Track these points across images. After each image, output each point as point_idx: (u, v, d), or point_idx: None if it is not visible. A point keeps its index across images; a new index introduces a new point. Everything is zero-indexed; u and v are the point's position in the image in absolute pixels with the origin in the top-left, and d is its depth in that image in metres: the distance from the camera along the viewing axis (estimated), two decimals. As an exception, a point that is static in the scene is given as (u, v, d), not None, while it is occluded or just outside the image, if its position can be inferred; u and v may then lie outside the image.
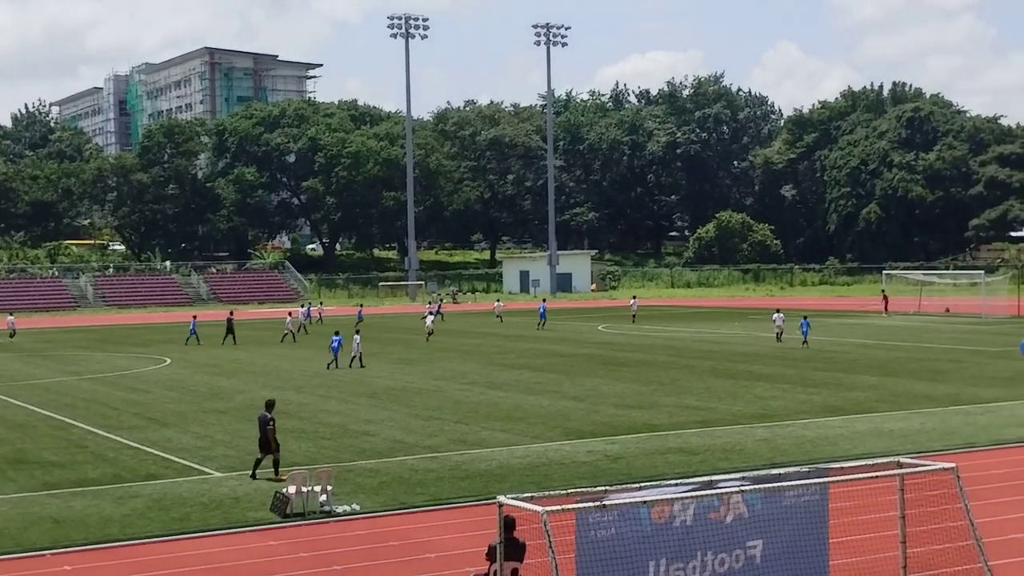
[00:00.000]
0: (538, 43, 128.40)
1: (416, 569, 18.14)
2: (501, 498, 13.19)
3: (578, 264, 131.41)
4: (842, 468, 15.05)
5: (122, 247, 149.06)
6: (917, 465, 15.04)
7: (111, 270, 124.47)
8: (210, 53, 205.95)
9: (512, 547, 13.86)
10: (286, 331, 65.27)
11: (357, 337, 49.98)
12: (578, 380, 42.82)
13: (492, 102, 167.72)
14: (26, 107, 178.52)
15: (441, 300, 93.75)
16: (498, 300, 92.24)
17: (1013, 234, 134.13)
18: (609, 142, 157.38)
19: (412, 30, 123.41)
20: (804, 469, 14.88)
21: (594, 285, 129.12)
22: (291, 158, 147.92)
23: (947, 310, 79.84)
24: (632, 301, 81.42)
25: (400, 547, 19.45)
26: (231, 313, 69.01)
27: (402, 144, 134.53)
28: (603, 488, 13.44)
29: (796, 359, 49.36)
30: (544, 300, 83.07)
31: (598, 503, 12.71)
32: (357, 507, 22.11)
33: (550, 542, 12.02)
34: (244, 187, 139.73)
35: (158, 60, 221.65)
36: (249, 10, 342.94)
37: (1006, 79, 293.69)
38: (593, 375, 44.53)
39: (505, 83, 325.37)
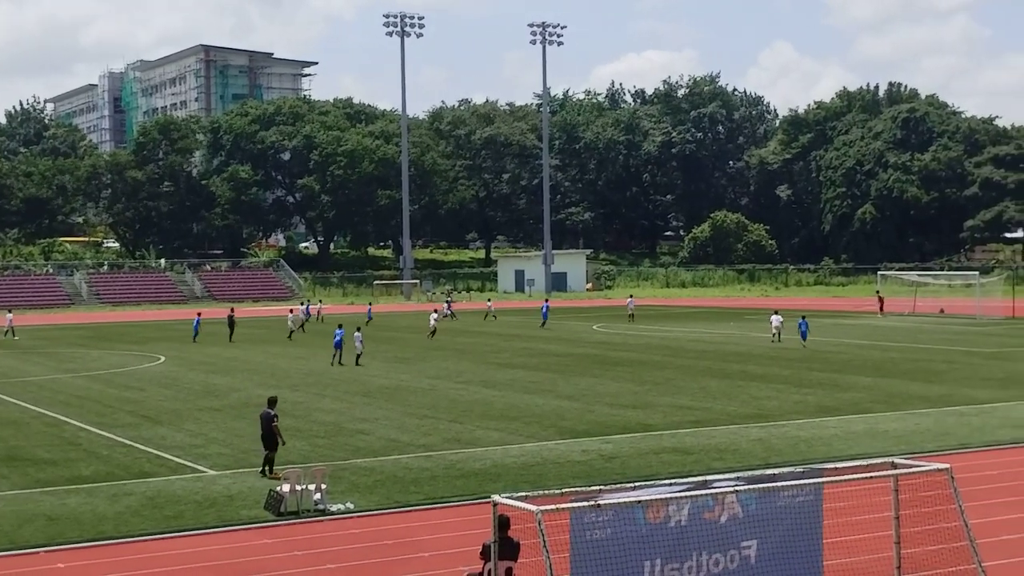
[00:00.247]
0: (534, 42, 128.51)
1: (410, 568, 18.14)
2: (495, 497, 13.18)
3: (573, 263, 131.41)
4: (836, 468, 15.07)
5: (116, 244, 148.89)
6: (911, 466, 15.05)
7: (105, 267, 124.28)
8: (205, 51, 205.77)
9: (506, 546, 13.86)
10: (292, 328, 65.74)
11: (358, 334, 50.07)
12: (573, 379, 42.82)
13: (488, 101, 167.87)
14: (20, 104, 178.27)
15: (451, 299, 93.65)
16: (488, 300, 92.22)
17: (1008, 235, 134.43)
18: (605, 141, 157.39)
19: (408, 28, 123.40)
20: (798, 469, 14.90)
21: (589, 284, 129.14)
22: (286, 156, 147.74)
23: (942, 311, 79.91)
24: (629, 300, 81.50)
25: (394, 546, 19.45)
26: (232, 310, 69.11)
27: (397, 142, 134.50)
28: (598, 488, 13.43)
29: (791, 359, 49.39)
30: (547, 300, 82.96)
31: (592, 503, 12.70)
32: (351, 506, 22.10)
33: (544, 541, 12.02)
34: (239, 185, 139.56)
35: (153, 57, 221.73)
36: (244, 8, 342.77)
37: (1001, 80, 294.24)
38: (588, 374, 44.53)
39: (500, 82, 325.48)
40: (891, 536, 15.20)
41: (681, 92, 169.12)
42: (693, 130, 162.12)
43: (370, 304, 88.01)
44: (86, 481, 24.86)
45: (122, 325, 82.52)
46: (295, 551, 19.20)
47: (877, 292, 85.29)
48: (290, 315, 67.74)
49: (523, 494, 13.08)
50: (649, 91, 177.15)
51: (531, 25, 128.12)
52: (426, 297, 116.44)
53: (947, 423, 31.58)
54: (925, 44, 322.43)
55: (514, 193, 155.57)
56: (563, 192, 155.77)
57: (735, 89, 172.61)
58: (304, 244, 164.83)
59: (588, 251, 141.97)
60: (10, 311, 75.10)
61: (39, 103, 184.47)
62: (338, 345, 50.00)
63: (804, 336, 55.44)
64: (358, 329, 51.56)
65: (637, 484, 14.59)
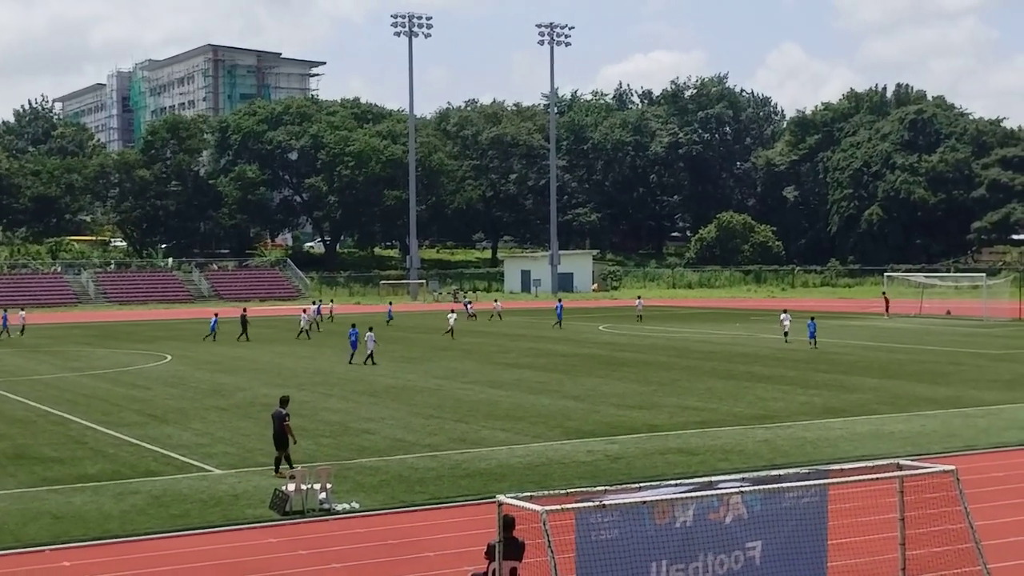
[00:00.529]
0: (541, 42, 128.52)
1: (415, 567, 18.14)
2: (501, 497, 13.18)
3: (580, 264, 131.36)
4: (842, 470, 15.05)
5: (124, 243, 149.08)
6: (917, 467, 15.04)
7: (112, 266, 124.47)
8: (213, 50, 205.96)
9: (511, 546, 13.86)
10: (304, 327, 66.08)
11: (371, 334, 50.22)
12: (579, 380, 42.81)
13: (495, 101, 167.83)
14: (29, 103, 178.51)
15: (469, 300, 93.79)
16: (495, 300, 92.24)
17: (1015, 237, 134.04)
18: (613, 142, 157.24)
19: (415, 28, 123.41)
20: (804, 470, 14.88)
21: (595, 285, 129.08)
22: (293, 156, 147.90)
23: (948, 312, 79.79)
24: (637, 301, 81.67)
25: (399, 545, 19.46)
26: (244, 310, 69.37)
27: (404, 142, 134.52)
28: (603, 488, 13.43)
29: (797, 360, 49.34)
30: (560, 300, 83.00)
31: (597, 503, 12.70)
32: (356, 505, 22.11)
33: (549, 541, 12.02)
34: (246, 184, 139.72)
35: (161, 57, 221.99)
36: (252, 8, 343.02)
37: (1009, 82, 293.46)
38: (594, 375, 44.53)
39: (508, 82, 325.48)
40: (896, 537, 15.18)
41: (688, 93, 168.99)
42: (700, 131, 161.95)
43: (391, 304, 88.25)
44: (92, 479, 24.90)
45: (129, 324, 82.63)
46: (300, 550, 19.22)
47: (883, 293, 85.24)
48: (303, 315, 68.04)
49: (528, 494, 13.08)
50: (656, 92, 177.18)
51: (539, 26, 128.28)
52: (433, 297, 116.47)
53: (953, 425, 31.53)
54: (933, 46, 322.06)
55: (521, 193, 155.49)
56: (570, 193, 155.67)
57: (742, 90, 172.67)
58: (309, 244, 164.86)
59: (595, 252, 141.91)
60: (22, 309, 75.50)
61: (47, 102, 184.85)
62: (354, 344, 50.40)
63: (812, 336, 55.63)
64: (370, 329, 51.64)
65: (643, 485, 14.58)
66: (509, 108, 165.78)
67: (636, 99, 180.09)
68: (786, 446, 28.24)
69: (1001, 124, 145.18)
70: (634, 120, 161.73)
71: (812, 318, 58.67)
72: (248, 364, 50.57)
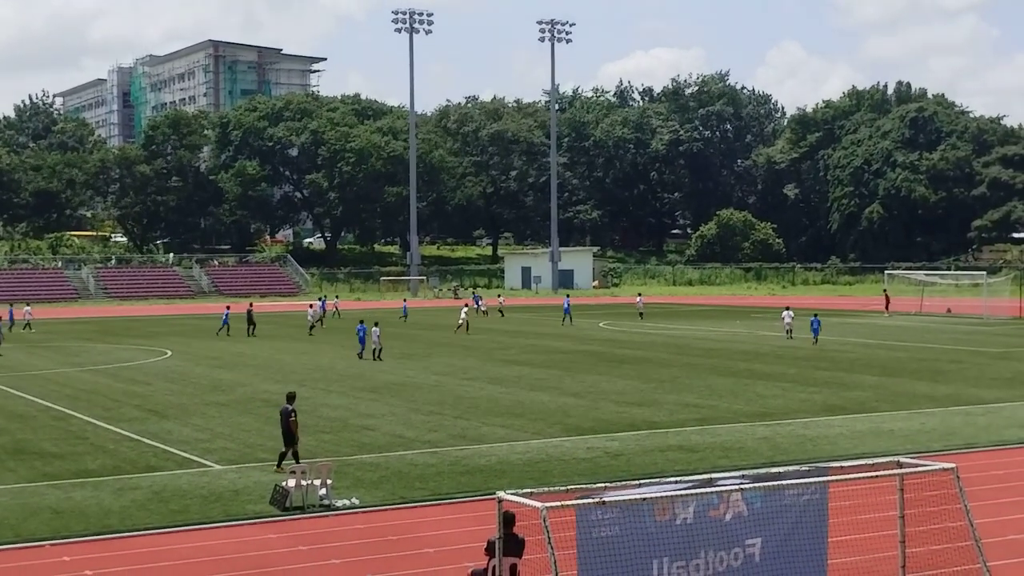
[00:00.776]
0: (542, 39, 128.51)
1: (415, 564, 18.15)
2: (500, 494, 13.17)
3: (580, 261, 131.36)
4: (842, 467, 15.03)
5: (124, 239, 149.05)
6: (917, 465, 15.02)
7: (113, 262, 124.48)
8: (214, 46, 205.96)
9: (511, 543, 13.85)
10: (312, 323, 66.37)
11: (376, 330, 50.32)
12: (579, 377, 42.81)
13: (495, 97, 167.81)
14: (30, 98, 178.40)
15: (479, 296, 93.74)
16: (499, 296, 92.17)
17: (1015, 235, 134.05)
18: (614, 140, 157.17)
19: (416, 25, 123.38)
20: (804, 468, 14.87)
21: (596, 282, 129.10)
22: (294, 152, 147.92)
23: (949, 311, 79.76)
24: (638, 298, 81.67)
25: (399, 542, 19.46)
26: (251, 305, 69.53)
27: (405, 139, 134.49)
28: (603, 485, 13.42)
29: (797, 358, 49.34)
30: (568, 296, 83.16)
31: (597, 500, 12.69)
32: (356, 501, 22.11)
33: (549, 538, 12.01)
34: (247, 180, 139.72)
35: (162, 52, 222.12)
36: (253, 3, 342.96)
37: (1009, 80, 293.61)
38: (594, 372, 44.52)
39: (509, 79, 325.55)
40: (896, 535, 15.18)
41: (689, 90, 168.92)
42: (701, 128, 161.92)
43: (405, 300, 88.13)
44: (92, 475, 24.90)
45: (129, 319, 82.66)
46: (300, 546, 19.22)
47: (884, 291, 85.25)
48: (310, 310, 68.20)
49: (528, 491, 13.07)
50: (657, 89, 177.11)
51: (540, 22, 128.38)
52: (433, 294, 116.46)
53: (953, 423, 31.52)
54: (933, 44, 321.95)
55: (521, 190, 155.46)
56: (571, 190, 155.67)
57: (743, 87, 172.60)
58: (308, 240, 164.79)
59: (595, 248, 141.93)
60: (28, 304, 75.75)
61: (48, 97, 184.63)
62: (363, 340, 50.65)
63: (816, 334, 55.79)
64: (376, 324, 51.69)
65: (642, 482, 14.57)
66: (510, 105, 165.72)
67: (637, 96, 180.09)
68: (786, 443, 28.24)
69: (1001, 122, 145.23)
70: (635, 117, 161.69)
71: (816, 315, 58.76)
72: (248, 360, 50.57)
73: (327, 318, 73.87)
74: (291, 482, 21.71)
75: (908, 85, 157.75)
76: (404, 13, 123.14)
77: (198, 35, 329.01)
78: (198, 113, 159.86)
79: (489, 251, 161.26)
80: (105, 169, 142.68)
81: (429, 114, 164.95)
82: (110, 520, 20.89)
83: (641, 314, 77.08)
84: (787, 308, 61.59)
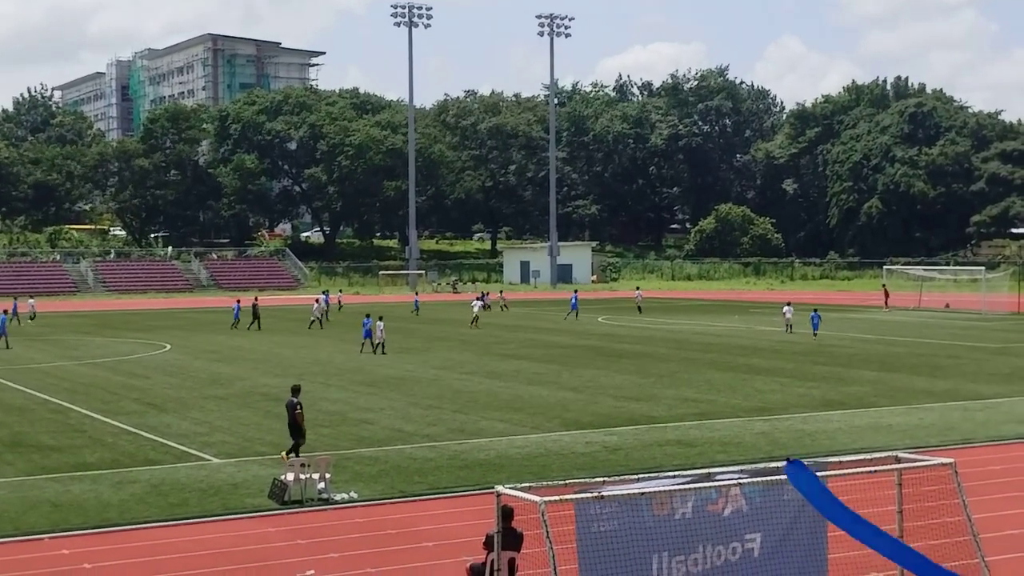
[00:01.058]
0: (541, 33, 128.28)
1: (413, 558, 18.16)
2: (499, 488, 13.18)
3: (579, 255, 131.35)
4: (840, 462, 15.04)
5: (123, 232, 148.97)
6: (915, 460, 15.03)
7: (112, 255, 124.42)
8: (213, 40, 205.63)
9: (509, 537, 13.86)
10: (314, 317, 66.37)
11: (381, 323, 50.37)
12: (577, 371, 42.82)
13: (494, 91, 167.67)
14: (28, 91, 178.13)
15: (484, 292, 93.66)
16: (501, 292, 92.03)
17: (1014, 231, 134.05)
18: (614, 134, 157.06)
19: (416, 19, 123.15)
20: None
21: (595, 276, 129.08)
22: (293, 146, 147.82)
23: (947, 306, 79.80)
24: (637, 292, 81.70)
25: (397, 535, 19.47)
26: (256, 299, 69.62)
27: (404, 133, 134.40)
28: (601, 479, 13.43)
29: (796, 353, 49.36)
30: (576, 291, 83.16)
31: (596, 494, 12.69)
32: (355, 495, 22.12)
33: (547, 532, 12.02)
34: (245, 174, 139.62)
35: (161, 46, 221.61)
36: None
37: (1008, 75, 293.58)
38: (592, 366, 44.54)
39: (508, 73, 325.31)
40: (895, 530, 15.18)
41: (688, 85, 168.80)
42: (700, 123, 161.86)
43: (417, 294, 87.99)
44: (91, 468, 24.91)
45: (128, 313, 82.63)
46: (298, 540, 19.23)
47: (883, 286, 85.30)
48: (315, 305, 68.32)
49: (527, 485, 13.08)
50: (656, 84, 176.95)
51: (539, 16, 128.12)
52: (432, 288, 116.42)
53: (951, 418, 31.55)
54: (932, 39, 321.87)
55: (520, 184, 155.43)
56: (570, 184, 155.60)
57: (742, 82, 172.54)
58: (306, 234, 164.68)
59: (594, 243, 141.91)
60: (32, 297, 75.90)
61: (46, 91, 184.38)
62: (367, 334, 50.64)
63: (816, 328, 55.95)
64: (380, 318, 51.72)
65: (641, 476, 14.59)
66: (509, 99, 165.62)
67: (636, 91, 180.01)
68: (784, 438, 28.26)
69: (1000, 117, 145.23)
70: (634, 112, 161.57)
71: (815, 310, 58.86)
72: (247, 354, 50.57)
73: (330, 311, 73.84)
74: (290, 476, 21.73)
75: (906, 80, 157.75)
76: (403, 7, 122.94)
77: (197, 29, 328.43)
78: (197, 107, 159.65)
79: (488, 245, 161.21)
80: (104, 162, 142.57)
81: (428, 108, 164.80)
82: (109, 513, 20.90)
83: (640, 308, 77.23)
84: (788, 303, 61.80)
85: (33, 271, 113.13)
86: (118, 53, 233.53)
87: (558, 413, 32.40)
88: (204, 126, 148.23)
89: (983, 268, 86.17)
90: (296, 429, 24.73)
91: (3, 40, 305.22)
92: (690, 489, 13.33)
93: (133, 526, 20.07)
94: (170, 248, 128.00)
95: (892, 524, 15.28)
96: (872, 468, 14.83)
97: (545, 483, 13.36)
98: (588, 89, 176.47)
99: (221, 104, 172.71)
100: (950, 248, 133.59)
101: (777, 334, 58.21)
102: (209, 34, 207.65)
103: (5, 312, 58.62)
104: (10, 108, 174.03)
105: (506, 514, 13.70)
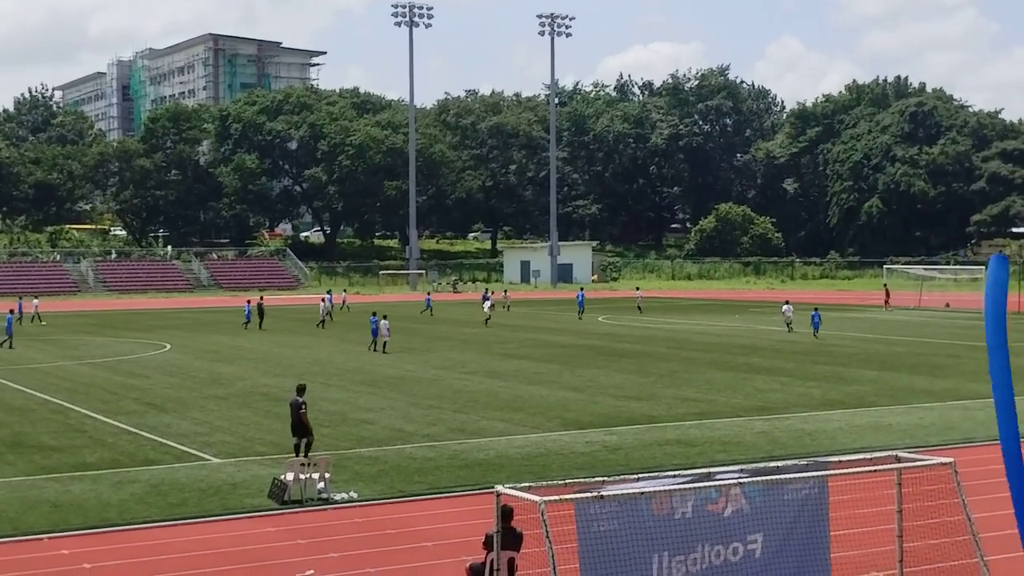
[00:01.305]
0: (542, 33, 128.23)
1: (413, 557, 18.15)
2: (499, 487, 13.18)
3: (579, 255, 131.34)
4: (840, 462, 15.04)
5: (123, 232, 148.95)
6: (915, 459, 15.03)
7: (112, 255, 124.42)
8: (214, 39, 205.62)
9: (509, 536, 13.86)
10: (321, 317, 66.72)
11: (385, 322, 50.42)
12: (577, 371, 42.82)
13: (495, 91, 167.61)
14: (29, 91, 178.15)
15: (489, 291, 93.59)
16: (504, 291, 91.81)
17: (1015, 230, 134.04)
18: (614, 134, 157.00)
19: (416, 18, 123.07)
20: (803, 462, 14.87)
21: (595, 276, 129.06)
22: (293, 145, 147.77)
23: (947, 305, 79.80)
24: (637, 292, 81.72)
25: (397, 535, 19.47)
26: (261, 298, 69.76)
27: (404, 133, 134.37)
28: (601, 479, 13.42)
29: (796, 352, 49.35)
30: (582, 289, 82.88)
31: (595, 494, 12.69)
32: (355, 495, 22.11)
33: (547, 532, 12.02)
34: (246, 174, 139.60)
35: (161, 46, 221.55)
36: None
37: (1008, 74, 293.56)
38: (592, 366, 44.53)
39: (508, 73, 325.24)
40: (894, 529, 15.18)
41: (689, 85, 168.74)
42: (700, 123, 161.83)
43: (428, 293, 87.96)
44: (91, 468, 24.90)
45: (128, 313, 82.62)
46: (298, 539, 19.22)
47: (884, 285, 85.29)
48: (321, 304, 68.44)
49: (527, 485, 13.07)
50: (657, 83, 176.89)
51: (539, 16, 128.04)
52: (432, 287, 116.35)
53: (952, 417, 31.53)
54: (932, 38, 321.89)
55: (520, 184, 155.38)
56: (570, 184, 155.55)
57: (742, 82, 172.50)
58: (306, 234, 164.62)
59: (594, 243, 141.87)
60: (36, 297, 76.03)
61: (47, 91, 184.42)
62: (375, 333, 50.83)
63: (816, 327, 55.98)
64: (384, 317, 51.73)
65: (641, 476, 14.59)
66: (509, 98, 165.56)
67: (637, 91, 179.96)
68: (784, 438, 28.25)
69: (999, 116, 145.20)
70: (635, 112, 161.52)
71: (816, 309, 58.86)
72: (247, 354, 50.56)
73: (335, 311, 73.83)
74: (289, 475, 21.72)
75: (907, 80, 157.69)
76: (403, 6, 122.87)
77: (197, 28, 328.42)
78: (197, 107, 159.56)
79: (488, 245, 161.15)
80: (104, 162, 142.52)
81: (428, 108, 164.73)
82: (108, 513, 20.89)
83: (640, 308, 77.25)
84: (786, 302, 61.83)
85: (34, 271, 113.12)
86: (119, 53, 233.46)
87: (558, 413, 32.39)
88: (205, 126, 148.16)
89: (983, 267, 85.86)
90: (300, 428, 24.73)
91: (4, 40, 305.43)
92: (690, 489, 13.33)
93: (133, 526, 20.06)
94: (170, 248, 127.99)
95: (892, 523, 15.28)
96: (872, 467, 14.83)
97: (545, 483, 13.36)
98: (589, 89, 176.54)
99: (222, 104, 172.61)
100: (950, 247, 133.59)
101: (777, 333, 58.20)
102: (210, 34, 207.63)
103: (12, 312, 58.67)
104: (11, 108, 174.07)
105: (506, 514, 13.70)
